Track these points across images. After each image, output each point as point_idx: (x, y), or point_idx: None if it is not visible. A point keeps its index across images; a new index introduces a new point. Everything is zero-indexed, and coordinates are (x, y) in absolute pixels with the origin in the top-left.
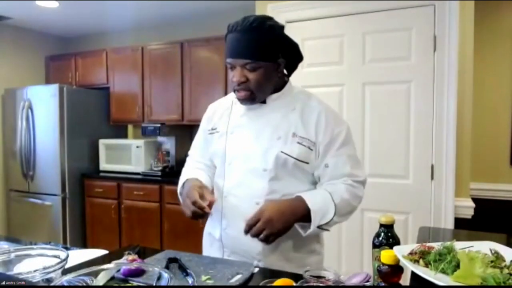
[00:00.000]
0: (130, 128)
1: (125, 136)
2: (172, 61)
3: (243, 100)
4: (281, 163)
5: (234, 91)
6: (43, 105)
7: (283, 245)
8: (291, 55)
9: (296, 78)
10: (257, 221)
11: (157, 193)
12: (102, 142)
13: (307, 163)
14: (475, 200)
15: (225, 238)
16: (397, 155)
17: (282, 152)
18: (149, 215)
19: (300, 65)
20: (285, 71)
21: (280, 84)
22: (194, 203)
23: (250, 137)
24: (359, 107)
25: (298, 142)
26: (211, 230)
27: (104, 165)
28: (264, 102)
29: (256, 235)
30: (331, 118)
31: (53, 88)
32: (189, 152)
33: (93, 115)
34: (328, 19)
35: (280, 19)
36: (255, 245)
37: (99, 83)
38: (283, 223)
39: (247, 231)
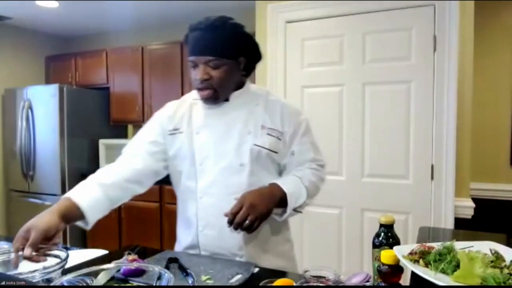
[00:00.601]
0: (130, 128)
1: (125, 136)
2: (172, 61)
3: (206, 99)
4: (255, 156)
5: (197, 89)
6: (43, 105)
7: (261, 236)
8: (251, 55)
9: (296, 78)
10: (240, 208)
11: (157, 193)
12: (102, 142)
13: (277, 152)
14: (475, 200)
15: (203, 240)
16: (397, 155)
17: (255, 145)
18: (149, 215)
19: (300, 65)
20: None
21: (240, 83)
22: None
23: (219, 135)
24: (359, 107)
25: (268, 134)
26: (184, 238)
27: (104, 165)
28: (227, 100)
29: (240, 223)
30: (293, 110)
31: (53, 88)
32: (127, 146)
33: (93, 115)
34: (328, 19)
35: (280, 19)
36: (235, 241)
37: (99, 83)
38: (266, 207)
39: (231, 221)
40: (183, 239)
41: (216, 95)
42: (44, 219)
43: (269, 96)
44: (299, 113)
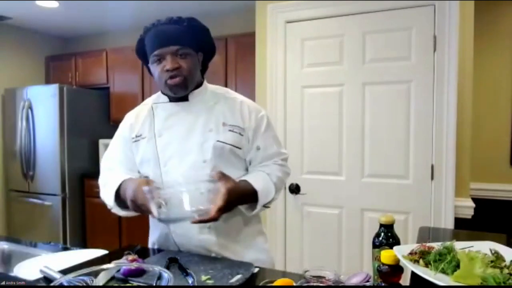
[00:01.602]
0: None
1: None
2: None
3: (176, 86)
4: (218, 152)
5: (165, 82)
6: (43, 105)
7: (233, 227)
8: (207, 49)
9: (296, 78)
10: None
11: None
12: (102, 142)
13: (240, 148)
14: (475, 200)
15: (177, 240)
16: (397, 155)
17: (218, 141)
18: (149, 215)
19: (300, 65)
20: None
21: (199, 81)
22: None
23: (181, 135)
24: (359, 107)
25: (230, 130)
26: (158, 241)
27: None
28: (186, 99)
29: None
30: (252, 106)
31: (53, 88)
32: (107, 165)
33: (93, 115)
34: (328, 19)
35: (280, 19)
36: (208, 236)
37: (99, 83)
38: (236, 203)
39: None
40: (156, 238)
41: (186, 82)
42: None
43: (228, 94)
44: (259, 109)
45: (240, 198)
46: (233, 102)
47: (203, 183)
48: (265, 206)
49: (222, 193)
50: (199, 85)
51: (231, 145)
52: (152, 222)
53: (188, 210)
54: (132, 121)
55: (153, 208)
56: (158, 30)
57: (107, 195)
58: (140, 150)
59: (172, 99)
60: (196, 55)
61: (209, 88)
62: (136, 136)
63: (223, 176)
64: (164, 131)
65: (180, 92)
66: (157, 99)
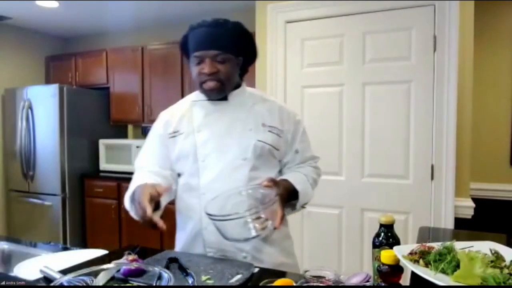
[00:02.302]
0: (130, 128)
1: (125, 136)
2: (172, 61)
3: (212, 91)
4: (258, 151)
5: (201, 84)
6: (43, 105)
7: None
8: (248, 54)
9: (296, 78)
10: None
11: None
12: (102, 142)
13: (278, 150)
14: (475, 200)
15: (208, 236)
16: (397, 155)
17: (258, 140)
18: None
19: (300, 65)
20: None
21: (237, 84)
22: (144, 216)
23: (221, 132)
24: (359, 107)
25: (269, 131)
26: (189, 235)
27: (104, 165)
28: (225, 99)
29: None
30: (290, 110)
31: (53, 88)
32: (138, 164)
33: (93, 115)
34: (328, 19)
35: (280, 19)
36: (240, 232)
37: (99, 83)
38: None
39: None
40: (184, 237)
41: (223, 87)
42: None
43: (265, 97)
44: (296, 113)
45: (286, 200)
46: (271, 104)
47: (243, 186)
48: (302, 206)
49: (279, 201)
50: (238, 87)
51: (270, 145)
52: (181, 219)
53: (254, 234)
54: (167, 118)
55: (148, 209)
56: (202, 32)
57: (125, 198)
58: (177, 146)
59: (211, 98)
60: (235, 59)
61: (247, 90)
62: (174, 132)
63: (275, 183)
64: (203, 127)
65: (215, 95)
66: (196, 97)
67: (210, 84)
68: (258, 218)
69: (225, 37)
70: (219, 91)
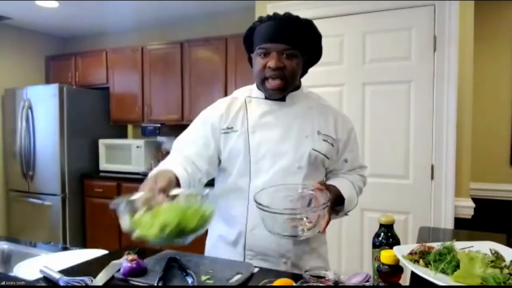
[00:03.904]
0: (130, 128)
1: (125, 136)
2: (172, 61)
3: (275, 90)
4: (312, 160)
5: (265, 80)
6: (43, 105)
7: (310, 238)
8: (313, 55)
9: None
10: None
11: None
12: (102, 142)
13: (329, 159)
14: (475, 200)
15: (251, 239)
16: (397, 155)
17: (313, 149)
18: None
19: None
20: None
21: (297, 84)
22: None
23: (276, 136)
24: (359, 107)
25: (324, 140)
26: (228, 234)
27: (104, 165)
28: (283, 99)
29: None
30: (345, 117)
31: (53, 88)
32: (177, 146)
33: (93, 115)
34: (328, 19)
35: None
36: (284, 242)
37: (99, 83)
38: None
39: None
40: (226, 234)
41: (286, 86)
42: (167, 171)
43: (320, 100)
44: (349, 121)
45: (333, 206)
46: (326, 109)
47: (294, 186)
48: (346, 213)
49: (329, 207)
50: (297, 87)
51: (324, 155)
52: (228, 213)
53: (300, 233)
54: (222, 112)
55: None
56: (271, 25)
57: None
58: (229, 143)
59: (268, 97)
60: (301, 57)
61: (304, 90)
62: (227, 128)
63: (326, 187)
64: (258, 128)
65: (276, 94)
66: (250, 93)
67: (274, 84)
68: (304, 219)
69: (295, 33)
70: (281, 90)
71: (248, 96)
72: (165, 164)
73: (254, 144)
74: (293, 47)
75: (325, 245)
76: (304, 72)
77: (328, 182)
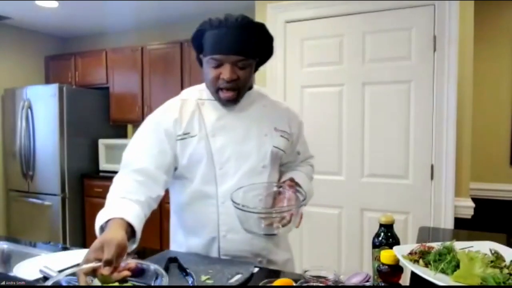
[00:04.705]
0: (130, 128)
1: (125, 136)
2: (172, 61)
3: (228, 101)
4: (273, 157)
5: (217, 90)
6: (43, 105)
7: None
8: (265, 55)
9: (296, 78)
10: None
11: None
12: (102, 142)
13: (285, 153)
14: (475, 200)
15: (225, 245)
16: (397, 155)
17: (274, 146)
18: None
19: (300, 65)
20: None
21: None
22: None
23: (238, 138)
24: (359, 107)
25: (281, 136)
26: (198, 244)
27: (104, 165)
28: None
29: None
30: (295, 112)
31: (53, 88)
32: (129, 159)
33: (93, 115)
34: (328, 19)
35: (279, 19)
36: (258, 241)
37: (99, 83)
38: None
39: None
40: (196, 243)
41: (239, 96)
42: (117, 234)
43: (272, 97)
44: (298, 115)
45: None
46: (278, 106)
47: (261, 189)
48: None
49: (299, 200)
50: (249, 87)
51: (283, 150)
52: (194, 224)
53: (275, 232)
54: (176, 116)
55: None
56: (222, 33)
57: (98, 219)
58: (188, 149)
59: (224, 105)
60: (254, 63)
61: (255, 89)
62: (184, 134)
63: (295, 184)
64: (217, 131)
65: (229, 105)
66: (201, 94)
67: (228, 95)
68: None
69: (248, 42)
70: (234, 102)
71: (199, 99)
72: (115, 205)
73: (217, 148)
74: (248, 57)
75: (287, 236)
76: (255, 71)
77: (285, 176)
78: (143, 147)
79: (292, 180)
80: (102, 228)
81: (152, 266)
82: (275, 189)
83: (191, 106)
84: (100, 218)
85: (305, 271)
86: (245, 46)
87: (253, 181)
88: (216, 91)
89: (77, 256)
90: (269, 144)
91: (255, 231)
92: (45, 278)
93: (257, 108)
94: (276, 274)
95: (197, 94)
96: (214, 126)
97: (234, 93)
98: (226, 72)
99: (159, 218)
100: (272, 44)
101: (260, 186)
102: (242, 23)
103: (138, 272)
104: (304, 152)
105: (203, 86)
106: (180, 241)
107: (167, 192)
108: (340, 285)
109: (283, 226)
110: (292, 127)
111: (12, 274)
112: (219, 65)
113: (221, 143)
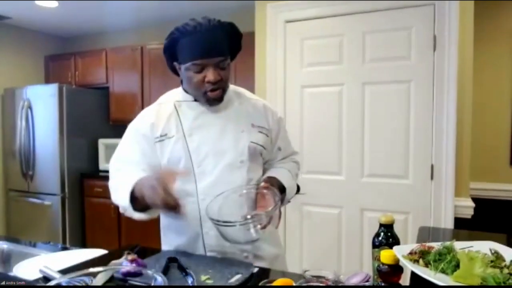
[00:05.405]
0: None
1: None
2: None
3: (214, 100)
4: (251, 152)
5: (205, 93)
6: (43, 104)
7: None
8: (235, 53)
9: (296, 78)
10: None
11: None
12: (102, 142)
13: (266, 149)
14: (475, 200)
15: (209, 241)
16: (396, 155)
17: (251, 142)
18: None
19: (300, 65)
20: None
21: None
22: (167, 197)
23: (214, 136)
24: (359, 107)
25: (259, 131)
26: (184, 242)
27: (103, 165)
28: None
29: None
30: (273, 108)
31: (53, 88)
32: (116, 165)
33: (93, 115)
34: (328, 18)
35: (279, 18)
36: (241, 236)
37: (99, 82)
38: None
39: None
40: (182, 241)
41: (224, 93)
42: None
43: (245, 94)
44: (276, 111)
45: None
46: (256, 103)
47: (240, 188)
48: (288, 201)
49: (279, 205)
50: None
51: (261, 146)
52: (178, 223)
53: (256, 237)
54: (152, 120)
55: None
56: (201, 38)
57: (120, 197)
58: (167, 150)
59: (211, 105)
60: (230, 61)
61: (231, 88)
62: (161, 136)
63: (271, 184)
64: (194, 130)
65: (215, 104)
66: (180, 97)
67: (215, 94)
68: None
69: (224, 42)
70: (219, 100)
71: (177, 101)
72: (133, 178)
73: (194, 146)
74: (227, 57)
75: (276, 231)
76: None
77: (268, 174)
78: (126, 153)
79: (266, 180)
80: (132, 201)
81: (149, 271)
82: (253, 190)
83: (168, 109)
84: (124, 191)
85: (305, 271)
86: (223, 46)
87: (232, 177)
88: (203, 95)
89: (76, 256)
90: (246, 139)
91: (238, 240)
92: (45, 278)
93: (234, 106)
94: (276, 274)
95: (175, 97)
96: (191, 126)
97: (220, 91)
98: (210, 75)
99: (158, 217)
100: (241, 40)
101: (234, 191)
102: (215, 24)
103: (138, 272)
104: (285, 148)
105: (179, 89)
106: (169, 241)
107: None
108: (340, 285)
109: (262, 228)
110: (271, 123)
111: (12, 274)
112: (201, 69)
113: (198, 141)
